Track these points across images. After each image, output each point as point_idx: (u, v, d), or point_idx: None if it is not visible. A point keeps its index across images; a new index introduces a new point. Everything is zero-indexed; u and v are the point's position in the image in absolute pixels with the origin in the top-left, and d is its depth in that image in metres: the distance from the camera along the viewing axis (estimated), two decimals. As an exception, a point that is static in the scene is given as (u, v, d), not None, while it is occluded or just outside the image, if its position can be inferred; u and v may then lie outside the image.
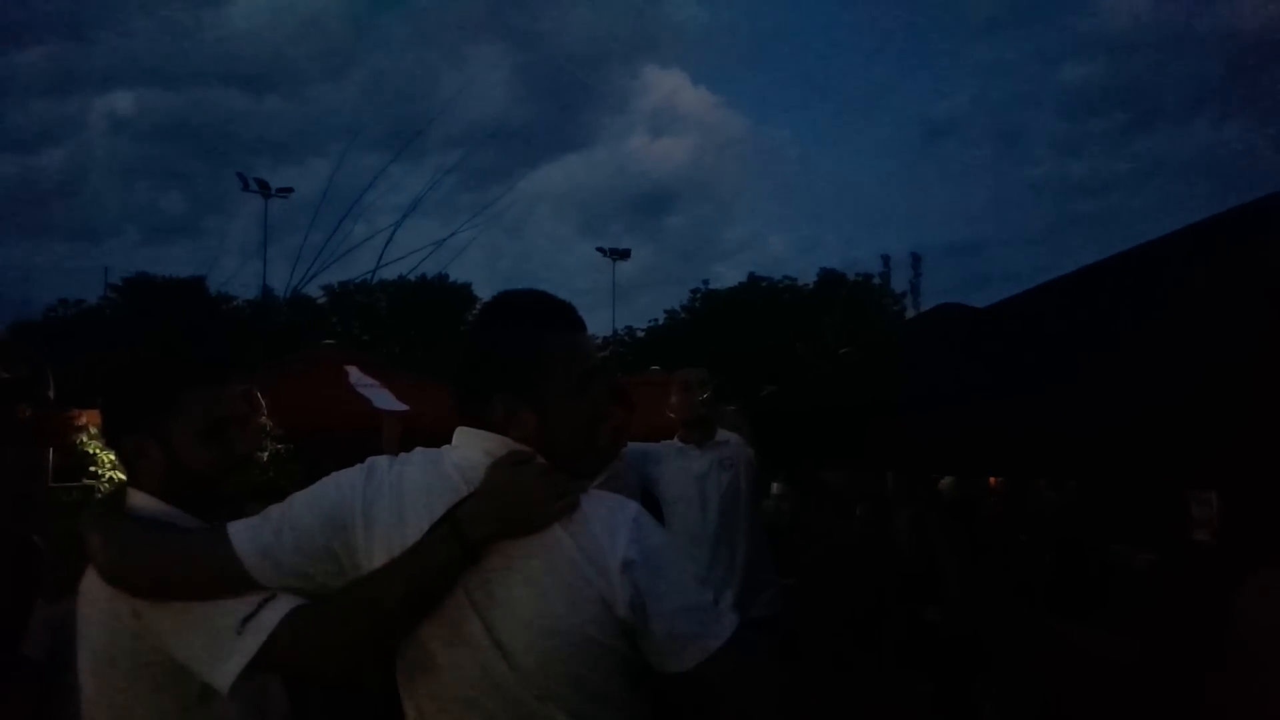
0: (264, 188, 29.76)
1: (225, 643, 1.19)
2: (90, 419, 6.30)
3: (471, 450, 1.28)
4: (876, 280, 35.95)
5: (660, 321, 38.85)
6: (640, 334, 39.23)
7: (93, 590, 1.36)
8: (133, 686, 1.33)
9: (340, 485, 1.27)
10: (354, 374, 7.67)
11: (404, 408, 7.18)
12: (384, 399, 7.33)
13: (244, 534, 1.24)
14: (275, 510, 1.28)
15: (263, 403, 7.10)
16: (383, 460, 1.30)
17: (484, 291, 39.51)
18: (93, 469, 6.13)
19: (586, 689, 1.19)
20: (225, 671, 1.19)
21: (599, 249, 41.59)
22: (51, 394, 5.95)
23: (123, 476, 5.20)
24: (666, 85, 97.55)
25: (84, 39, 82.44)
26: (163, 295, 30.34)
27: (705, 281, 38.55)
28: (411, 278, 32.10)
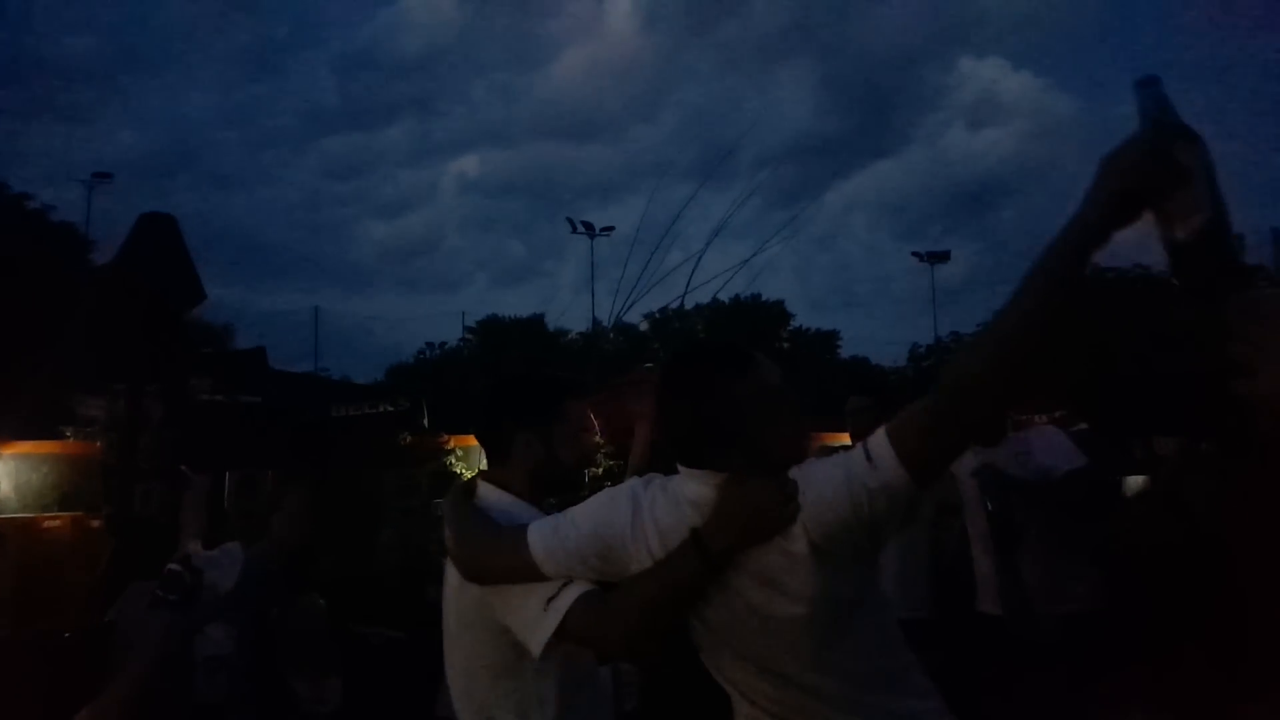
0: (589, 228, 32.14)
1: (536, 618, 1.50)
2: (458, 443, 7.12)
3: (702, 486, 1.45)
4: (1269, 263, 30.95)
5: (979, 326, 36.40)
6: (968, 338, 37.03)
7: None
8: (481, 634, 1.69)
9: (613, 501, 1.53)
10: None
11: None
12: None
13: (536, 534, 1.53)
14: (563, 516, 1.56)
15: (595, 422, 7.62)
16: (639, 485, 1.54)
17: (795, 307, 39.60)
18: (460, 486, 6.94)
19: None
20: (537, 640, 1.51)
21: (914, 253, 39.67)
22: (426, 422, 6.82)
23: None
24: (984, 75, 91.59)
25: (434, 111, 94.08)
26: (509, 333, 33.68)
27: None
28: (724, 299, 32.96)
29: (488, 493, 1.77)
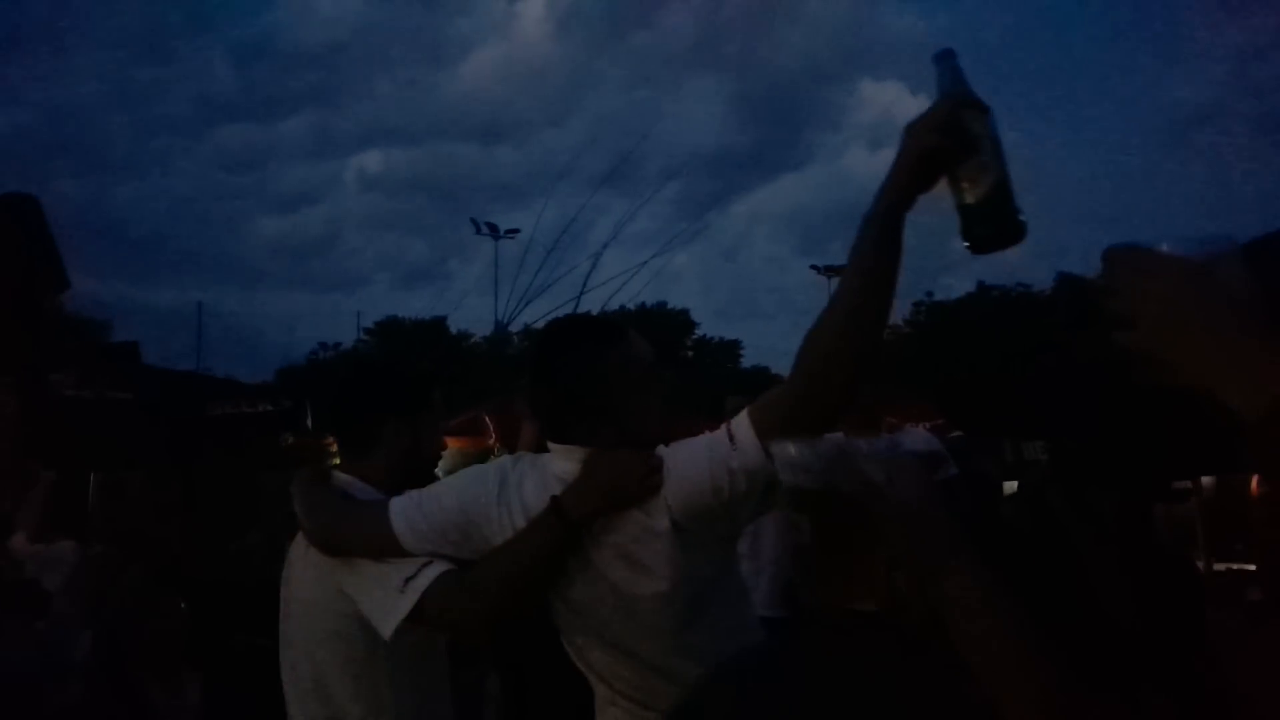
0: (493, 230, 31.79)
1: (391, 599, 1.45)
2: (342, 444, 6.91)
3: (569, 462, 1.45)
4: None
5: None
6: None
7: (303, 550, 1.69)
8: (322, 630, 1.64)
9: (480, 477, 1.52)
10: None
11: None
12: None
13: (398, 507, 1.50)
14: (427, 492, 1.54)
15: (490, 426, 7.48)
16: (507, 462, 1.55)
17: (700, 317, 40.01)
18: (345, 491, 6.73)
19: None
20: (389, 623, 1.46)
21: (813, 266, 40.58)
22: (310, 423, 6.59)
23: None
24: (884, 98, 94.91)
25: (336, 105, 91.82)
26: (410, 335, 33.02)
27: (929, 293, 36.73)
28: (631, 306, 33.08)
29: (344, 481, 1.73)
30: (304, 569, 1.66)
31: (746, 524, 1.47)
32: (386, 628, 1.46)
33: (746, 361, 38.90)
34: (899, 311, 37.70)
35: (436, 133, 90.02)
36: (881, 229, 1.25)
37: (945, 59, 1.23)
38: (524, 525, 1.41)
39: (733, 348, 39.09)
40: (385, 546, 1.47)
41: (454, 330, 35.79)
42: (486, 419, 7.43)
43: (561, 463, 1.46)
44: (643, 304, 33.67)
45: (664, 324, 37.90)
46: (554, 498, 1.40)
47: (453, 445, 7.26)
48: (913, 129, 1.20)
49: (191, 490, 6.17)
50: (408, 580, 1.43)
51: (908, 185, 1.22)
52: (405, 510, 1.48)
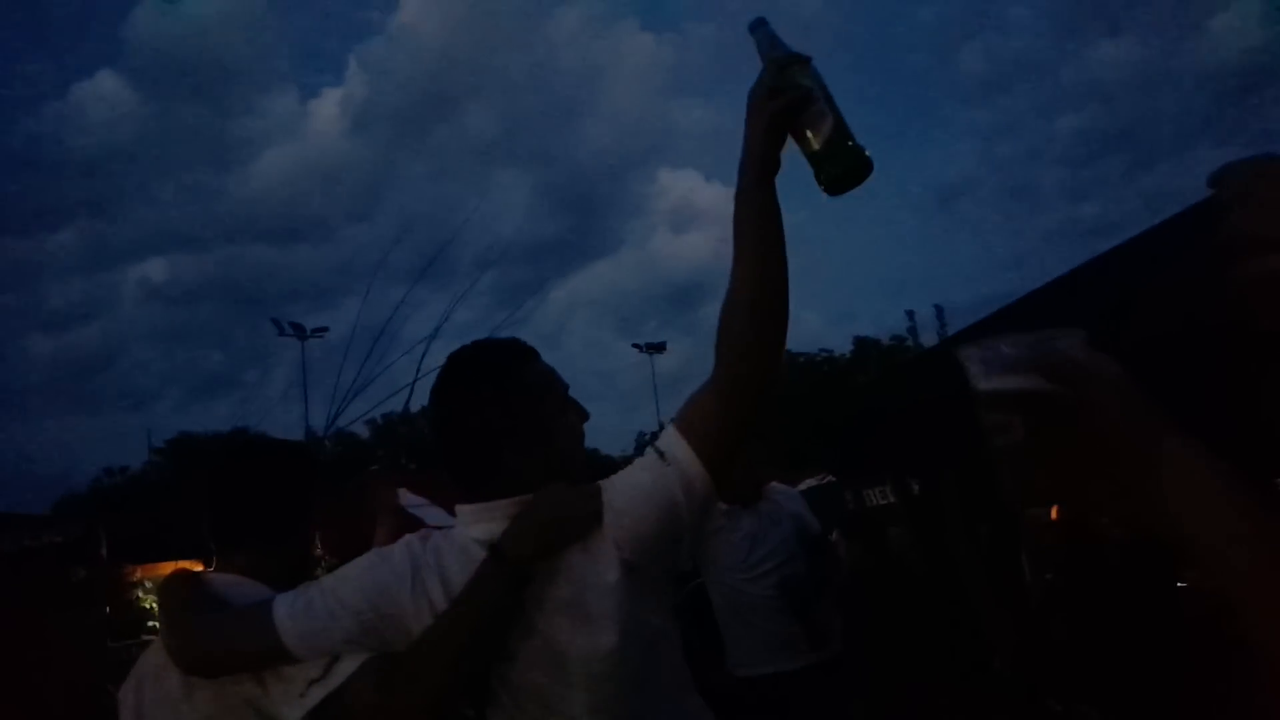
0: (299, 330, 30.42)
1: (289, 703, 1.25)
2: (145, 574, 6.25)
3: (492, 523, 1.30)
4: (907, 340, 35.63)
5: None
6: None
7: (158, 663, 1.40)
8: None
9: (384, 562, 1.31)
10: (404, 495, 7.63)
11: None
12: (436, 515, 7.24)
13: (283, 608, 1.27)
14: (314, 586, 1.31)
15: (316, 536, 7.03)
16: (413, 541, 1.34)
17: (524, 404, 39.79)
18: (151, 624, 6.05)
19: None
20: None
21: (634, 345, 41.14)
22: (104, 552, 5.92)
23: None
24: (682, 185, 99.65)
25: (111, 215, 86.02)
26: (205, 452, 30.76)
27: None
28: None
29: (219, 579, 1.48)
30: (165, 694, 1.37)
31: (691, 553, 1.36)
32: None
33: (568, 445, 39.00)
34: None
35: (228, 236, 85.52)
36: (759, 201, 1.24)
37: (759, 26, 1.29)
38: (444, 603, 1.25)
39: (559, 434, 39.13)
40: (269, 655, 1.25)
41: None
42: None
43: (482, 525, 1.31)
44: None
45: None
46: (491, 545, 1.25)
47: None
48: (753, 97, 1.24)
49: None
50: (312, 682, 1.23)
51: (766, 151, 1.23)
52: (292, 612, 1.26)
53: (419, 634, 1.25)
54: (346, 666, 1.24)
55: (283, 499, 1.56)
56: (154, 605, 6.10)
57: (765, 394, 1.26)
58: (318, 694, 1.23)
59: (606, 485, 1.28)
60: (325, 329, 30.89)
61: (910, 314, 33.92)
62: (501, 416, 1.32)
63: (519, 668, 1.27)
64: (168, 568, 6.80)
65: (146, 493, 27.35)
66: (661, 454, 1.25)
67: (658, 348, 40.16)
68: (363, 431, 32.86)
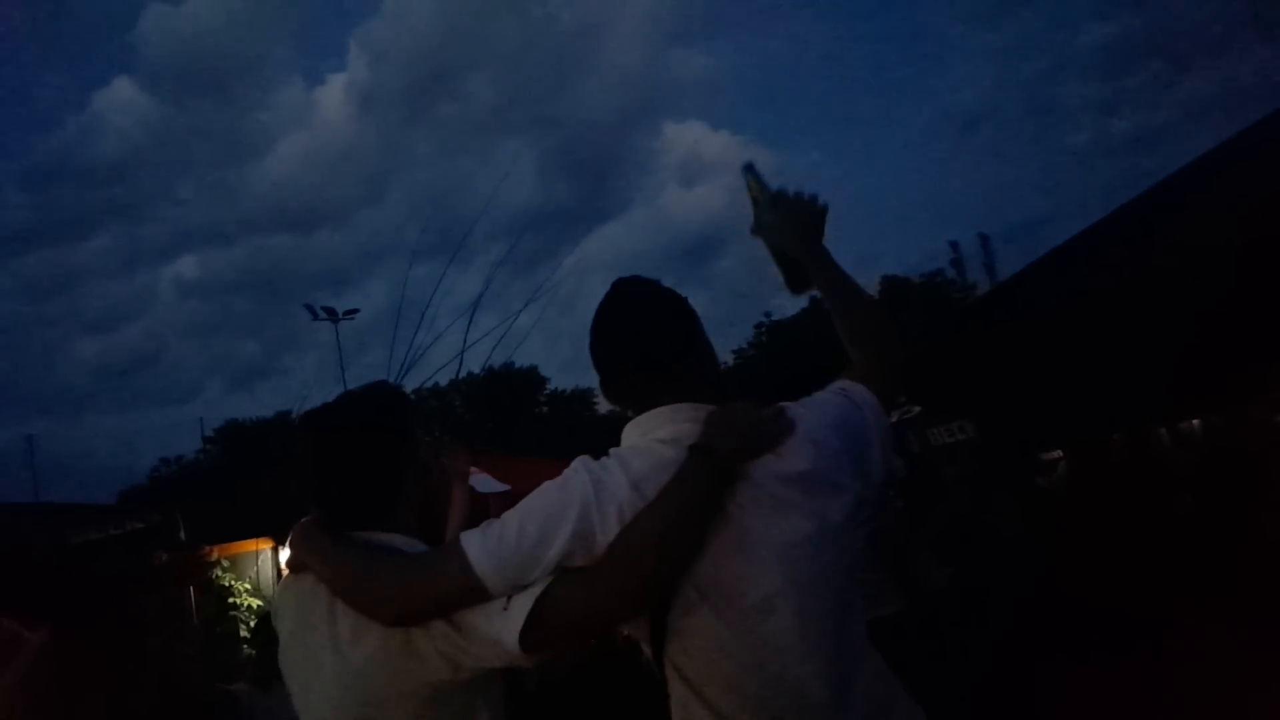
0: (331, 314, 30.79)
1: (497, 623, 1.22)
2: (222, 553, 6.54)
3: (675, 424, 1.35)
4: (949, 273, 34.06)
5: (729, 364, 38.43)
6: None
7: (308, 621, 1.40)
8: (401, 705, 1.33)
9: (560, 489, 1.31)
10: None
11: (506, 487, 7.30)
12: (485, 483, 7.46)
13: (475, 545, 1.25)
14: (495, 524, 1.29)
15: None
16: (587, 462, 1.34)
17: (548, 370, 39.86)
18: (231, 600, 6.36)
19: None
20: (507, 640, 1.20)
21: None
22: (183, 535, 6.23)
23: (256, 602, 5.32)
24: (687, 137, 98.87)
25: (140, 217, 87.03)
26: (254, 436, 31.42)
27: (767, 314, 38.00)
28: (480, 372, 32.67)
29: (376, 538, 1.45)
30: (322, 649, 1.34)
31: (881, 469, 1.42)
32: (507, 645, 1.19)
33: (601, 409, 39.06)
34: (744, 337, 38.86)
35: (251, 228, 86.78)
36: (824, 294, 1.58)
37: (749, 170, 1.70)
38: (636, 501, 1.25)
39: (586, 397, 38.99)
40: (467, 594, 1.22)
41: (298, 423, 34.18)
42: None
43: (665, 428, 1.34)
44: (490, 367, 33.31)
45: (515, 383, 37.61)
46: (693, 446, 1.28)
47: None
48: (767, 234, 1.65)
49: (65, 638, 5.68)
50: (511, 598, 1.21)
51: (795, 274, 1.64)
52: (485, 546, 1.24)
53: (619, 533, 1.24)
54: (539, 584, 1.23)
55: (390, 464, 1.49)
56: (232, 583, 6.41)
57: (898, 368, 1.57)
58: (524, 602, 1.21)
59: (798, 408, 1.39)
60: (356, 310, 31.27)
61: (954, 245, 32.37)
62: (689, 338, 1.46)
63: (709, 557, 1.27)
64: (242, 546, 7.13)
65: (203, 478, 28.07)
66: (842, 389, 1.44)
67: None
68: (397, 408, 33.21)
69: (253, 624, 6.37)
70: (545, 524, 1.25)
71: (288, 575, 1.50)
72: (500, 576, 1.23)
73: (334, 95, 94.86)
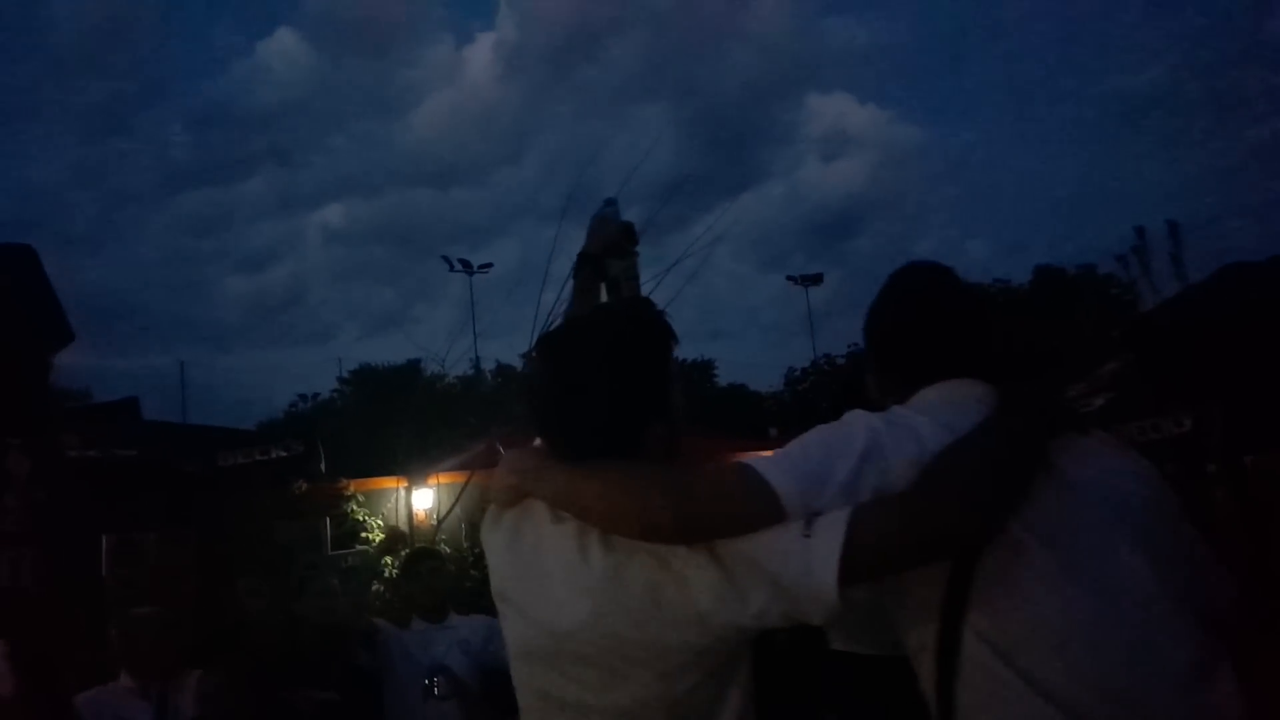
0: (467, 266, 31.63)
1: (799, 552, 1.02)
2: (358, 487, 6.66)
3: (965, 389, 1.28)
4: (1126, 266, 29.84)
5: (861, 346, 37.34)
6: (840, 360, 37.95)
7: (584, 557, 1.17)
8: (662, 639, 1.12)
9: (849, 422, 1.19)
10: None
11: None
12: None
13: (760, 461, 1.10)
14: (782, 452, 1.15)
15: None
16: (862, 414, 1.21)
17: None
18: (364, 534, 6.48)
19: None
20: (822, 580, 1.00)
21: (789, 277, 39.85)
22: (323, 467, 6.36)
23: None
24: (832, 109, 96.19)
25: (294, 164, 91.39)
26: (384, 380, 32.63)
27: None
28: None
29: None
30: (567, 592, 1.17)
31: None
32: (824, 590, 0.99)
33: (721, 380, 38.86)
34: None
35: (394, 181, 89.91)
36: None
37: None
38: (942, 435, 1.13)
39: (707, 368, 38.91)
40: (760, 517, 1.05)
41: (427, 372, 35.47)
42: (499, 447, 7.22)
43: (956, 391, 1.27)
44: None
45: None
46: (1018, 395, 1.23)
47: (464, 479, 7.03)
48: None
49: (208, 547, 5.91)
50: (811, 523, 1.03)
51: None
52: (779, 466, 1.08)
53: (941, 453, 1.10)
54: (841, 511, 1.05)
55: (642, 397, 1.29)
56: (365, 517, 6.52)
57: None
58: (833, 526, 1.02)
59: None
60: (490, 265, 32.05)
61: (1140, 231, 27.67)
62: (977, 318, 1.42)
63: (1039, 503, 1.12)
64: (378, 482, 7.29)
65: (335, 415, 29.36)
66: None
67: (814, 280, 39.08)
68: (519, 364, 33.91)
69: (384, 560, 6.48)
70: (831, 442, 1.13)
71: (492, 510, 1.34)
72: (797, 490, 1.05)
73: (481, 54, 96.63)
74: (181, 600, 5.32)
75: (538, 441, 1.35)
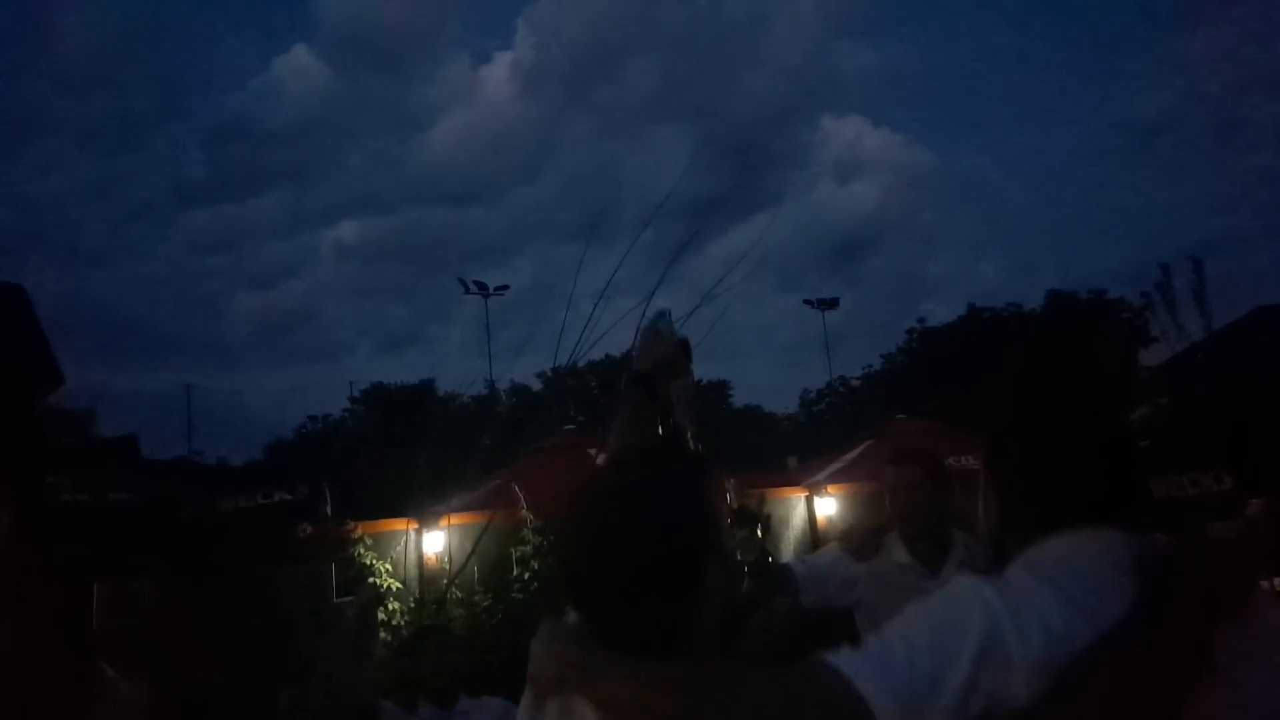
0: (482, 288, 31.50)
1: None
2: (366, 530, 6.38)
3: (1112, 543, 1.06)
4: (1150, 303, 28.18)
5: (876, 367, 37.18)
6: (855, 383, 37.62)
7: None
8: None
9: (948, 592, 0.98)
10: (599, 456, 7.51)
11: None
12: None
13: (855, 663, 0.91)
14: (870, 638, 0.96)
15: (521, 497, 6.98)
16: (976, 580, 1.00)
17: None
18: (371, 579, 6.18)
19: None
20: None
21: (806, 301, 39.66)
22: (329, 509, 6.07)
23: (396, 584, 5.05)
24: (847, 133, 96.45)
25: (307, 181, 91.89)
26: (398, 400, 32.46)
27: (921, 320, 36.57)
28: (615, 355, 32.72)
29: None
30: None
31: None
32: None
33: (736, 401, 38.59)
34: (892, 342, 37.59)
35: (410, 199, 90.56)
36: None
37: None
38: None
39: (722, 388, 38.75)
40: None
41: (441, 392, 35.27)
42: (515, 489, 6.90)
43: (1091, 549, 1.04)
44: (627, 352, 33.24)
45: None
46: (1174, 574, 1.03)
47: (475, 520, 6.74)
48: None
49: (208, 597, 5.62)
50: None
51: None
52: (868, 663, 0.91)
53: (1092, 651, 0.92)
54: None
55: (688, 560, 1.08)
56: (374, 561, 6.23)
57: None
58: None
59: None
60: (506, 287, 31.90)
61: (1165, 268, 25.52)
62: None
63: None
64: (388, 524, 7.00)
65: (347, 437, 29.15)
66: None
67: (830, 304, 38.82)
68: (534, 384, 33.75)
69: (391, 607, 6.18)
70: (939, 632, 0.94)
71: (528, 697, 1.16)
72: (895, 707, 0.88)
73: (498, 73, 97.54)
74: (178, 654, 5.05)
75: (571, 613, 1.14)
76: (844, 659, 0.93)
